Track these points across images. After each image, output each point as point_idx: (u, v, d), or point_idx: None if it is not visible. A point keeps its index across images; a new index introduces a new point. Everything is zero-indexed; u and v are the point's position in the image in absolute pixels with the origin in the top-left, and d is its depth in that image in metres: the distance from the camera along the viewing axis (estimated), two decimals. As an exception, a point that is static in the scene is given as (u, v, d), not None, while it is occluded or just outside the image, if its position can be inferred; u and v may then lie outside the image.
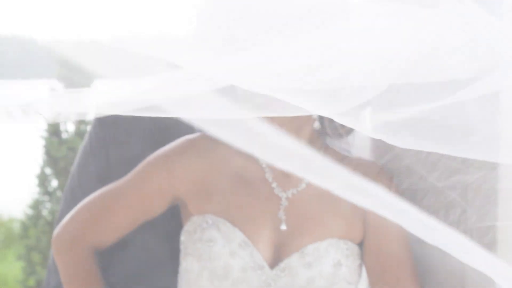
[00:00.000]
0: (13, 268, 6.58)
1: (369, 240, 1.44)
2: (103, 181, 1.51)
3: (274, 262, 1.41)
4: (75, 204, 1.50)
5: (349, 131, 1.46)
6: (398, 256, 1.43)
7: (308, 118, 1.42)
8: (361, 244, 1.46)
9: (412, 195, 1.48)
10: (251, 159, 1.45)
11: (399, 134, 1.16)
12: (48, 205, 6.04)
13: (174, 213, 1.49)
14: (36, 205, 6.11)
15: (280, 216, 1.43)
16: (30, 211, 6.15)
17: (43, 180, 6.16)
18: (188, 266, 1.43)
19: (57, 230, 1.50)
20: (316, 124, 1.43)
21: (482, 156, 1.20)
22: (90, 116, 1.42)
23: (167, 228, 1.52)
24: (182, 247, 1.46)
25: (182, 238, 1.46)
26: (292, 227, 1.43)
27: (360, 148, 1.54)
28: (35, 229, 6.05)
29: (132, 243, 1.52)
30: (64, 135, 7.76)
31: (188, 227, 1.45)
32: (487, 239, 1.41)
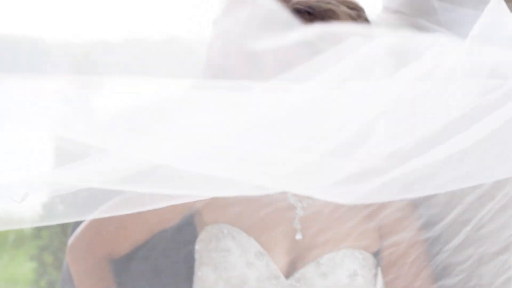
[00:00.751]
0: (24, 268, 6.60)
1: (386, 251, 1.44)
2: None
3: (290, 272, 1.41)
4: (89, 212, 1.50)
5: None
6: (415, 266, 1.42)
7: None
8: (376, 254, 1.45)
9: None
10: None
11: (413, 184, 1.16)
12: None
13: (189, 222, 1.49)
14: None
15: (295, 225, 1.43)
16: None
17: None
18: (203, 275, 1.43)
19: (72, 239, 1.50)
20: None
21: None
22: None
23: (181, 237, 1.52)
24: (197, 256, 1.46)
25: (197, 247, 1.46)
26: (308, 237, 1.42)
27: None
28: (48, 230, 6.07)
29: (146, 252, 1.52)
30: (76, 137, 7.72)
31: (203, 236, 1.45)
32: (502, 247, 1.41)
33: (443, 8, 1.47)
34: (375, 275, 1.45)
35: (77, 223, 1.53)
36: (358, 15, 1.48)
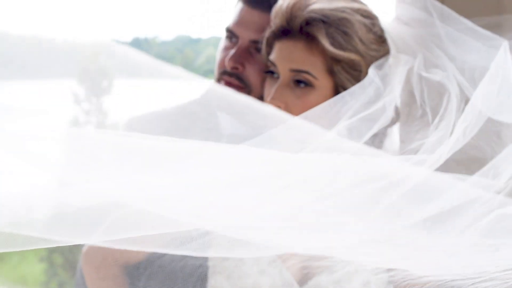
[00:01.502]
0: (34, 269, 6.63)
1: None
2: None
3: (303, 280, 1.40)
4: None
5: (379, 148, 1.45)
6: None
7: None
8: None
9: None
10: None
11: None
12: (70, 208, 6.06)
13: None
14: (57, 207, 6.15)
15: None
16: (51, 213, 6.18)
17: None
18: (217, 284, 1.43)
19: (86, 245, 1.51)
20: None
21: None
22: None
23: (195, 245, 1.52)
24: (210, 264, 1.46)
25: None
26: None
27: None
28: (57, 232, 6.09)
29: (160, 261, 1.52)
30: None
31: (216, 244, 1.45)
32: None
33: (448, 35, 1.50)
34: (388, 283, 1.44)
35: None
36: (372, 23, 1.48)
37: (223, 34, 1.73)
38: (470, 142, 1.35)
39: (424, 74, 1.47)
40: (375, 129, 1.38)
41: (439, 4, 1.52)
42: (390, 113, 1.40)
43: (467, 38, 1.48)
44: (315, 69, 1.45)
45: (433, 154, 1.25)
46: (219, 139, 1.48)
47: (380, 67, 1.45)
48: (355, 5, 1.47)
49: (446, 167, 1.31)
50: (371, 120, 1.38)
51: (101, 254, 1.48)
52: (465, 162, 1.38)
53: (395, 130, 1.51)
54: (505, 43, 1.43)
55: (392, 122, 1.47)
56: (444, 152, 1.26)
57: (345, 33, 1.44)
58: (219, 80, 1.71)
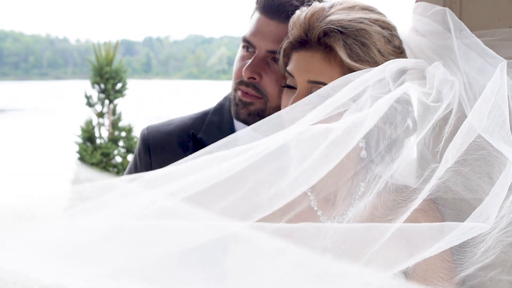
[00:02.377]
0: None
1: (415, 271, 1.43)
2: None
3: None
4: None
5: (395, 158, 1.44)
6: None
7: (355, 147, 1.41)
8: (407, 274, 1.44)
9: (455, 216, 1.47)
10: None
11: None
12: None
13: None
14: (70, 210, 6.13)
15: (325, 244, 1.42)
16: (64, 215, 6.17)
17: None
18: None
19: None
20: (363, 153, 1.42)
21: None
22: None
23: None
24: (228, 275, 1.46)
25: (229, 264, 1.46)
26: (338, 255, 1.41)
27: (405, 174, 1.53)
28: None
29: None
30: (98, 141, 7.78)
31: (233, 254, 1.45)
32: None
33: (461, 50, 1.49)
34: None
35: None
36: (391, 34, 1.46)
37: (235, 33, 1.73)
38: (462, 181, 1.38)
39: (439, 75, 1.46)
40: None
41: (456, 19, 1.51)
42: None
43: (475, 56, 1.47)
44: (333, 80, 1.43)
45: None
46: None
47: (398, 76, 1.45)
48: (374, 16, 1.46)
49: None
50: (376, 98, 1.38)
51: None
52: (456, 203, 1.40)
53: (413, 141, 1.50)
54: (502, 64, 1.42)
55: (410, 133, 1.46)
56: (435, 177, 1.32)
57: (363, 44, 1.42)
58: (236, 90, 1.70)
